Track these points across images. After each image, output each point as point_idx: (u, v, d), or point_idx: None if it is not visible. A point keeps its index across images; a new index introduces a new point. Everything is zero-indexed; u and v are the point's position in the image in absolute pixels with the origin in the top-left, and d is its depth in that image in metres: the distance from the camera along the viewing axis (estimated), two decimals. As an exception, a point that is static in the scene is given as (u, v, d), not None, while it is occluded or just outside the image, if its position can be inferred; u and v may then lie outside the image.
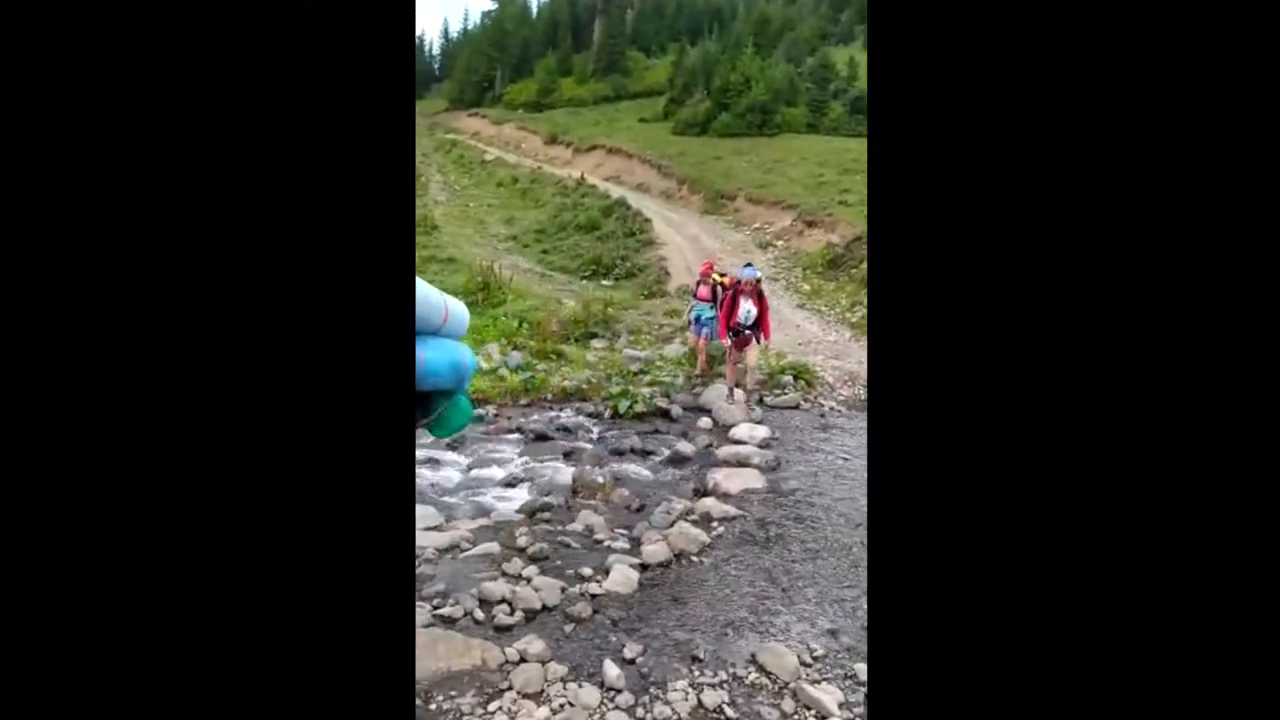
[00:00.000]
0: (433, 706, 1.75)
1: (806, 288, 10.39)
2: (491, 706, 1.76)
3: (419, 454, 4.48)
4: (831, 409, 5.50)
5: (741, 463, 4.08)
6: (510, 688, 1.85)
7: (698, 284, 6.57)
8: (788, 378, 6.01)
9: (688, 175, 18.31)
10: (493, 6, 42.32)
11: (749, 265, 5.60)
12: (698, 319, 6.35)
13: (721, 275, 6.33)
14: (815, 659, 2.09)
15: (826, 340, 7.88)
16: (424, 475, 4.09)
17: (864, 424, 4.31)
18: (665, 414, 5.42)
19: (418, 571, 2.52)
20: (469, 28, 44.13)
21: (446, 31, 47.75)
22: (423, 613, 2.23)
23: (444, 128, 33.31)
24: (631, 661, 2.04)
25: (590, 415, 5.89)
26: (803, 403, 5.60)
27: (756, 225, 14.44)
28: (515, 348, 7.36)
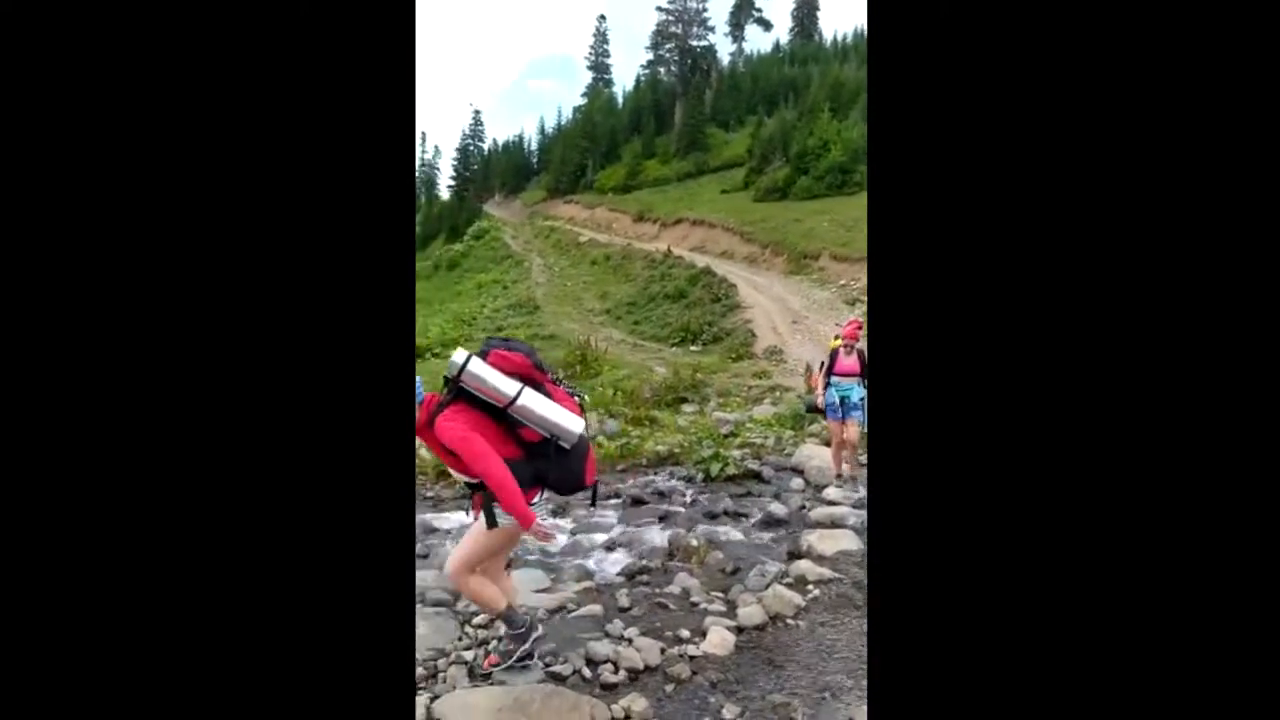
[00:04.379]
0: (547, 755, 1.93)
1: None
2: (601, 758, 1.91)
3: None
4: (935, 469, 5.25)
5: (836, 523, 4.04)
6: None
7: (834, 354, 4.81)
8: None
9: (770, 239, 18.65)
10: (583, 102, 46.38)
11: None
12: (843, 400, 4.70)
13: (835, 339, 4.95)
14: (917, 726, 2.05)
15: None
16: (531, 540, 4.39)
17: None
18: (757, 475, 5.45)
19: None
20: (562, 123, 48.40)
21: (543, 128, 52.56)
22: (536, 670, 2.43)
23: (542, 215, 36.21)
24: (730, 721, 2.11)
25: (683, 479, 6.02)
26: (903, 463, 5.40)
27: (842, 282, 14.33)
28: (611, 415, 7.72)
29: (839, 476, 4.93)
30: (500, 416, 2.02)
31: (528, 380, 2.02)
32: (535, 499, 2.10)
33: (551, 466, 2.07)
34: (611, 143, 40.23)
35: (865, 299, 12.78)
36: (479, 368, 1.96)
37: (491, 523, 2.07)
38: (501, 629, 2.71)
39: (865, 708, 2.14)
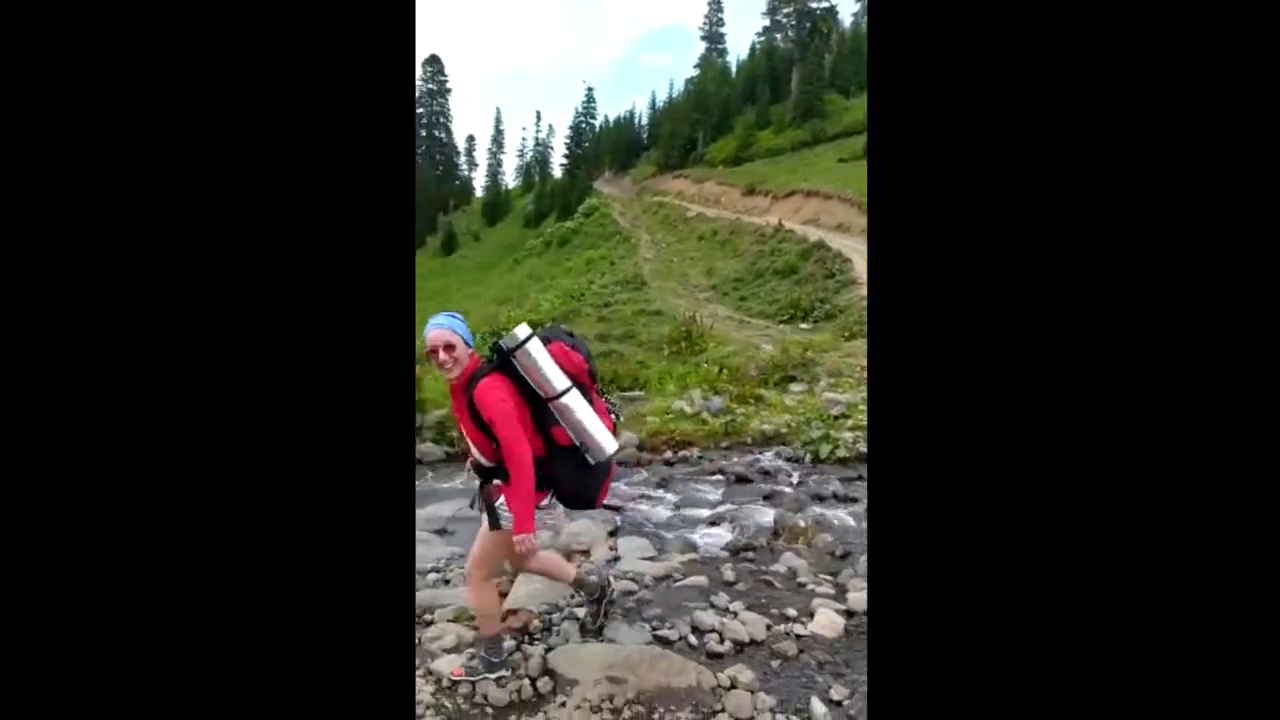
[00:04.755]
0: (655, 715, 2.00)
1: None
2: (706, 722, 1.95)
3: (635, 490, 4.95)
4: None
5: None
6: (723, 709, 2.02)
7: None
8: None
9: (893, 210, 17.36)
10: (695, 73, 45.54)
11: None
12: None
13: None
14: None
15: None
16: (640, 509, 4.52)
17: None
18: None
19: (637, 595, 2.84)
20: (673, 96, 47.93)
21: (654, 102, 52.33)
22: (643, 632, 2.51)
23: (651, 191, 36.32)
24: (839, 703, 2.06)
25: (789, 459, 5.88)
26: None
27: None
28: (716, 393, 7.67)
29: None
30: (537, 408, 1.90)
31: (577, 384, 1.92)
32: (543, 502, 1.98)
33: (571, 476, 1.95)
34: (724, 114, 39.26)
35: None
36: (538, 350, 1.86)
37: (495, 523, 1.95)
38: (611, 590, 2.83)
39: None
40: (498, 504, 1.93)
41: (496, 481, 1.93)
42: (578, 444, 1.92)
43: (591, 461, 1.95)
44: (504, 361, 1.87)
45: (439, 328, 1.83)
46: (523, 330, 1.86)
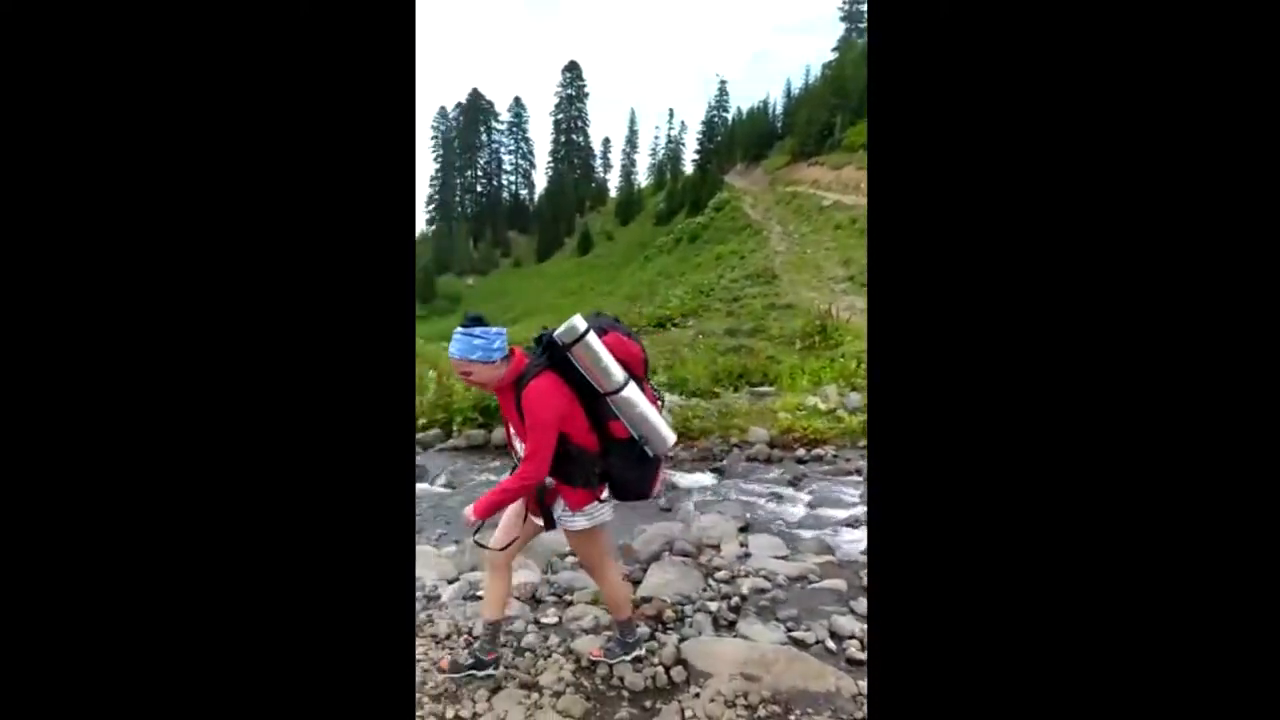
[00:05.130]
0: (791, 717, 1.92)
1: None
2: (846, 732, 1.84)
3: (762, 488, 4.83)
4: None
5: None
6: (864, 718, 1.89)
7: None
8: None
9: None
10: (833, 57, 43.29)
11: None
12: None
13: None
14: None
15: None
16: (770, 508, 4.39)
17: None
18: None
19: (770, 594, 2.76)
20: (809, 83, 45.96)
21: (789, 90, 50.55)
22: (777, 632, 2.43)
23: (783, 181, 35.17)
24: (1004, 735, 1.85)
25: (942, 465, 5.39)
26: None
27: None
28: (854, 389, 7.24)
29: None
30: (592, 402, 1.80)
31: (632, 375, 1.81)
32: (603, 494, 1.91)
33: (627, 468, 1.86)
34: (864, 96, 36.91)
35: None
36: (596, 344, 1.72)
37: (550, 524, 1.91)
38: (744, 586, 2.78)
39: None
40: (555, 505, 1.89)
41: (551, 481, 1.86)
42: (636, 437, 1.84)
43: (651, 454, 1.88)
44: (559, 358, 1.74)
45: (452, 357, 1.74)
46: (580, 322, 1.73)
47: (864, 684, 2.06)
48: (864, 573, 2.98)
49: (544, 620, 2.47)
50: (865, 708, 1.94)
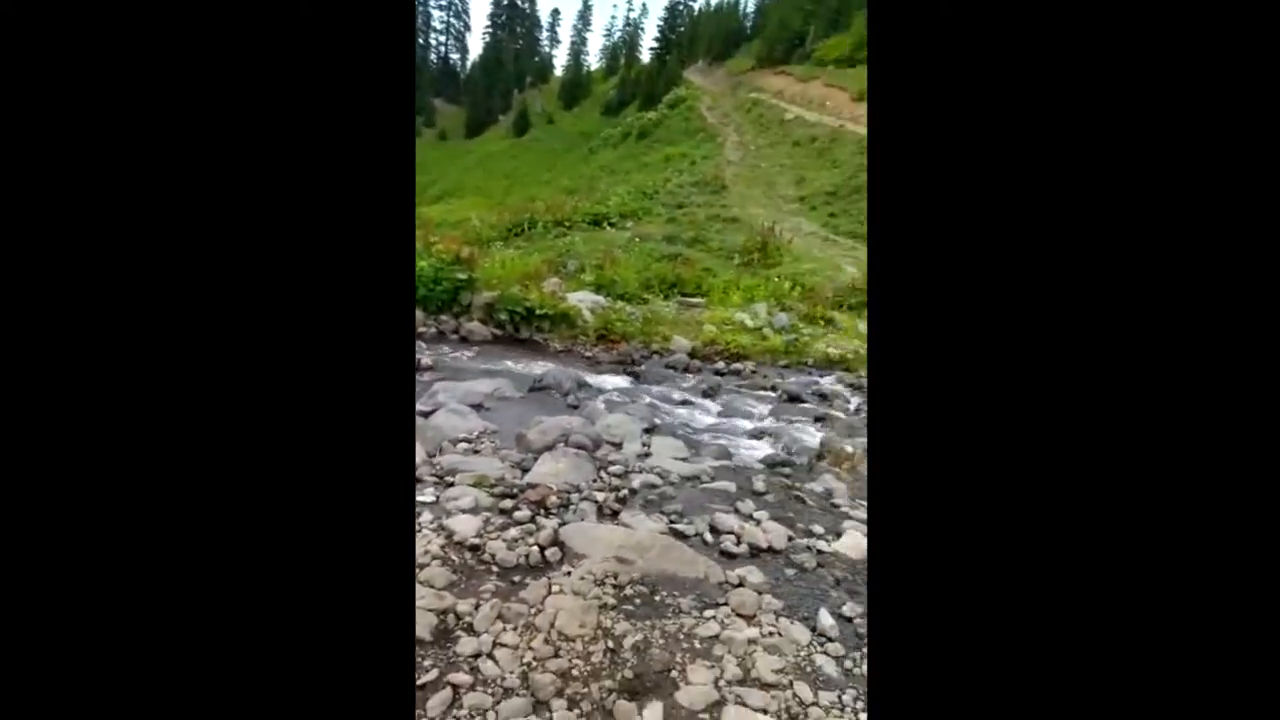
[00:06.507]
0: (656, 598, 1.99)
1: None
2: (707, 614, 1.93)
3: (676, 395, 4.89)
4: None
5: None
6: (726, 604, 1.99)
7: None
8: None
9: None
10: (814, -44, 40.39)
11: None
12: None
13: None
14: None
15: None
16: (678, 414, 4.46)
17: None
18: (938, 397, 4.86)
19: (659, 490, 2.81)
20: (786, -18, 43.02)
21: (763, -11, 47.29)
22: (660, 523, 2.50)
23: (748, 86, 33.63)
24: (849, 620, 1.99)
25: (851, 385, 5.62)
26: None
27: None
28: (783, 309, 7.34)
29: None
30: None
31: None
32: None
33: None
34: (840, 7, 35.08)
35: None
36: None
37: None
38: (635, 481, 2.82)
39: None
40: None
41: None
42: None
43: None
44: None
45: None
46: None
47: (732, 573, 2.15)
48: (756, 478, 3.10)
49: (421, 499, 2.43)
50: (729, 595, 2.04)
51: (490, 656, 1.66)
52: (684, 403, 4.74)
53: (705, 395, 5.00)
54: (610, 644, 1.74)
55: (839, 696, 1.66)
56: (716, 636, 1.82)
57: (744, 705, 1.59)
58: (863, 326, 6.89)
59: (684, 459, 3.35)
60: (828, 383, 5.63)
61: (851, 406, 5.04)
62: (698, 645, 1.79)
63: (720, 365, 5.99)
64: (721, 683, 1.66)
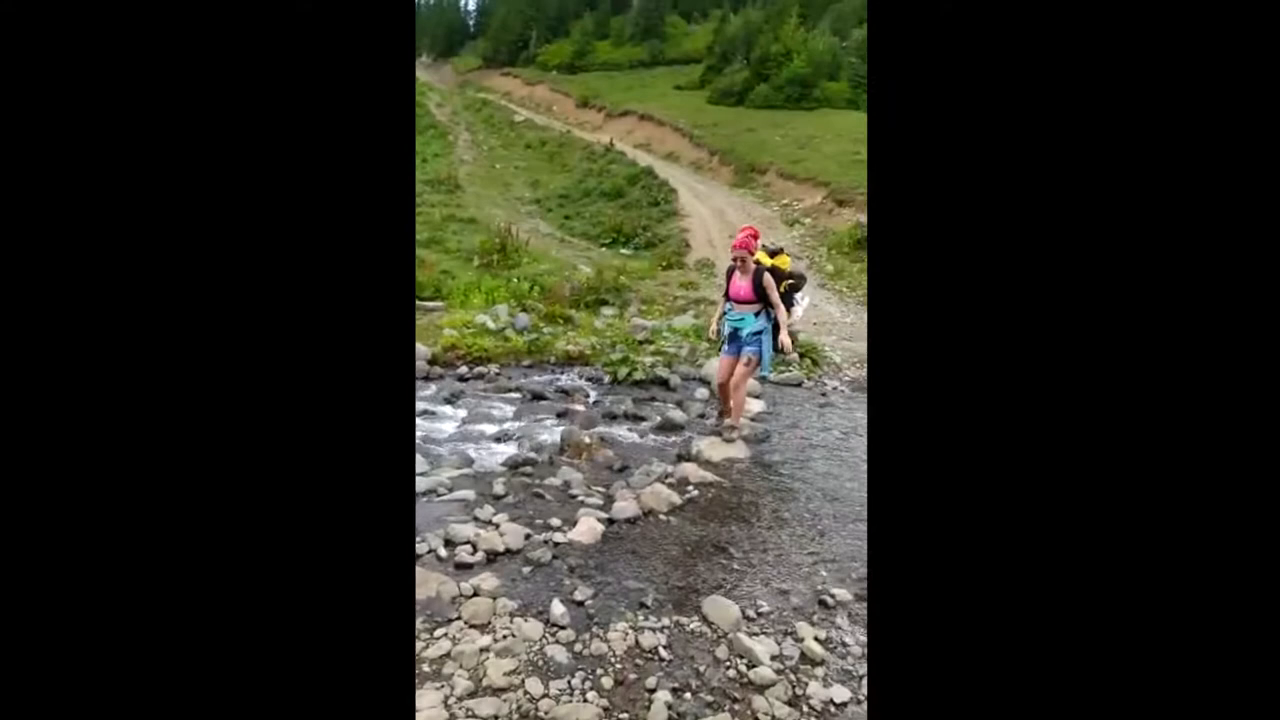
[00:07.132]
0: (387, 631, 1.85)
1: (830, 268, 10.23)
2: (438, 633, 1.86)
3: (417, 405, 4.60)
4: (835, 389, 5.47)
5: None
6: (459, 618, 1.94)
7: (731, 270, 3.70)
8: (794, 355, 5.97)
9: (719, 146, 17.96)
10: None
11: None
12: (733, 335, 3.71)
13: (773, 254, 3.76)
14: (760, 614, 2.14)
15: (843, 322, 7.78)
16: (419, 426, 4.20)
17: (864, 405, 4.26)
18: (664, 383, 5.45)
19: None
20: (508, -15, 43.28)
21: (485, -12, 46.82)
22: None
23: (475, 86, 33.09)
24: (580, 603, 2.11)
25: (590, 380, 5.95)
26: (806, 381, 5.58)
27: (785, 201, 14.16)
28: (524, 310, 7.42)
29: (726, 427, 3.86)
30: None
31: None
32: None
33: None
34: (560, 15, 36.63)
35: (805, 220, 12.78)
36: None
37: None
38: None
39: (713, 596, 2.20)
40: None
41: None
42: None
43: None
44: None
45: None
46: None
47: (465, 585, 2.11)
48: (496, 482, 3.08)
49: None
50: (461, 608, 1.99)
51: None
52: (424, 413, 4.47)
53: (448, 402, 4.80)
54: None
55: (568, 682, 1.75)
56: (448, 654, 1.77)
57: (475, 718, 1.57)
58: (599, 324, 7.35)
59: (422, 474, 3.17)
60: (568, 379, 5.87)
61: (590, 400, 5.34)
62: (426, 669, 1.72)
63: (463, 370, 5.80)
64: (451, 700, 1.62)
